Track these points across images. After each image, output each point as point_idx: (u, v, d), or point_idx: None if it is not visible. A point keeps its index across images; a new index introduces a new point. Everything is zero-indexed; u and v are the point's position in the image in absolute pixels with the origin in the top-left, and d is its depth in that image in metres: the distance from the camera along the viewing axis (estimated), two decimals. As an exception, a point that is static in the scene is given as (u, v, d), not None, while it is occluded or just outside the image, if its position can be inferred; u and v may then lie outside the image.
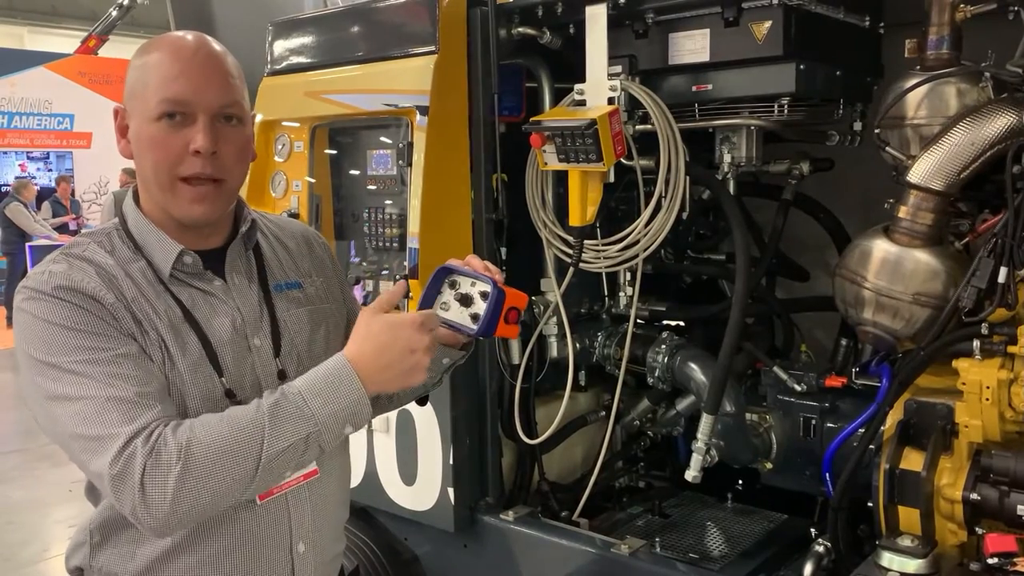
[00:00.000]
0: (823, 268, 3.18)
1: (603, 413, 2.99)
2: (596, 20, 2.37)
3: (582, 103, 2.44)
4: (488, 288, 1.53)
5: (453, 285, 1.62)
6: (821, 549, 2.35)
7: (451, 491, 2.57)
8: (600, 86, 2.39)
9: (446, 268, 1.59)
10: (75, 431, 1.36)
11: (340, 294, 1.81)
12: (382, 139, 2.71)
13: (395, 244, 2.65)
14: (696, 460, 2.40)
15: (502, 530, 2.56)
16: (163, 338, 1.46)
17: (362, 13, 2.67)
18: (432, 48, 2.44)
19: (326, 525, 1.70)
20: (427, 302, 1.66)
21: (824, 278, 3.18)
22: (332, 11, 2.83)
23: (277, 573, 1.58)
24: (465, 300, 1.60)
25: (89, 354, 1.37)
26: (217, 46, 1.52)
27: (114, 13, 13.31)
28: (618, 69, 2.45)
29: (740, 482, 3.07)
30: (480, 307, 1.55)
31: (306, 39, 2.79)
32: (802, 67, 2.31)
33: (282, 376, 1.58)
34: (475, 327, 1.55)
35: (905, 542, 2.05)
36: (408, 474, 2.66)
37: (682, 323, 2.97)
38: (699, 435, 2.40)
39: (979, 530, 2.10)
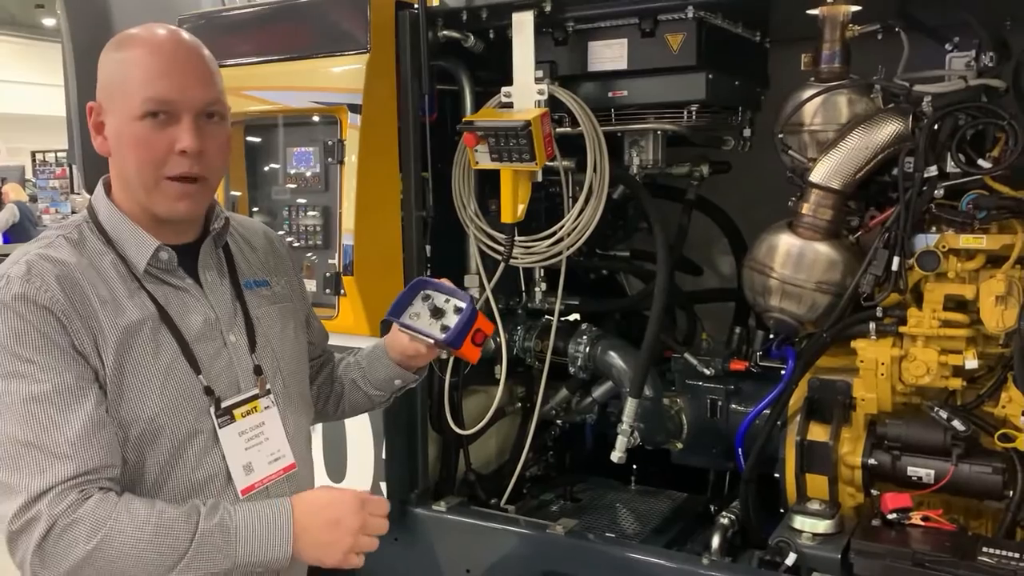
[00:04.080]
0: (708, 264, 3.44)
1: (518, 404, 3.11)
2: (523, 26, 2.48)
3: (509, 105, 2.54)
4: (463, 304, 1.61)
5: (427, 298, 1.69)
6: (726, 521, 2.56)
7: (383, 485, 2.61)
8: (528, 89, 2.50)
9: (422, 281, 1.66)
10: None
11: (301, 292, 1.84)
12: (304, 137, 2.70)
13: (319, 242, 2.66)
14: (621, 442, 2.56)
15: (435, 520, 2.62)
16: (133, 339, 1.44)
17: (288, 11, 2.66)
18: (364, 48, 2.48)
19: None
20: (398, 310, 1.72)
21: (711, 273, 3.45)
22: (254, 7, 2.78)
23: None
24: (437, 312, 1.68)
25: (21, 383, 1.35)
26: (195, 41, 1.51)
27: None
28: (539, 74, 2.57)
29: (634, 466, 3.26)
30: (452, 320, 1.62)
31: (224, 35, 2.73)
32: (710, 76, 2.51)
33: (258, 371, 1.60)
34: (444, 337, 1.61)
35: (814, 506, 2.29)
36: (337, 470, 2.67)
37: (578, 315, 3.13)
38: (624, 418, 2.56)
39: (874, 492, 2.37)
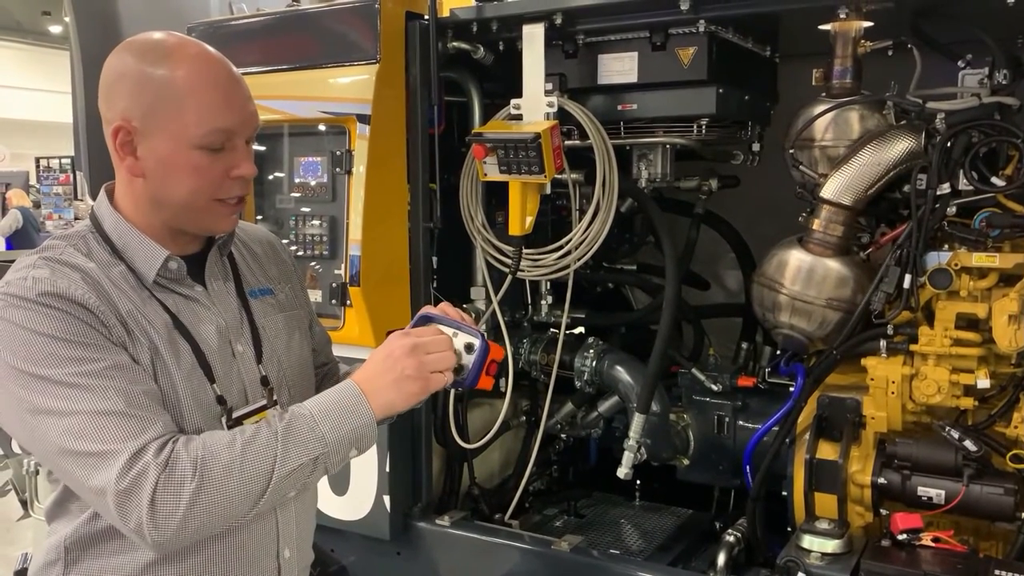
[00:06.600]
0: (715, 279, 3.42)
1: (523, 418, 3.08)
2: (534, 39, 2.47)
3: (518, 117, 2.53)
4: (473, 340, 1.52)
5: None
6: (732, 539, 2.53)
7: (387, 499, 2.58)
8: (537, 102, 2.49)
9: (426, 316, 1.57)
10: (68, 447, 1.32)
11: (305, 299, 1.83)
12: (311, 146, 2.69)
13: (325, 252, 2.64)
14: (628, 457, 2.54)
15: (438, 535, 2.60)
16: (156, 345, 1.44)
17: (297, 20, 2.65)
18: (374, 58, 2.47)
19: (307, 531, 1.74)
20: None
21: (718, 288, 3.43)
22: (263, 16, 2.78)
23: None
24: None
25: (80, 366, 1.33)
26: (227, 59, 1.51)
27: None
28: (549, 86, 2.56)
29: (638, 482, 3.24)
30: (465, 359, 1.52)
31: (232, 44, 2.72)
32: (721, 91, 2.50)
33: (265, 382, 1.60)
34: (460, 378, 1.52)
35: (823, 525, 2.26)
36: (339, 484, 2.64)
37: (583, 328, 3.11)
38: (631, 434, 2.54)
39: (883, 511, 2.34)
